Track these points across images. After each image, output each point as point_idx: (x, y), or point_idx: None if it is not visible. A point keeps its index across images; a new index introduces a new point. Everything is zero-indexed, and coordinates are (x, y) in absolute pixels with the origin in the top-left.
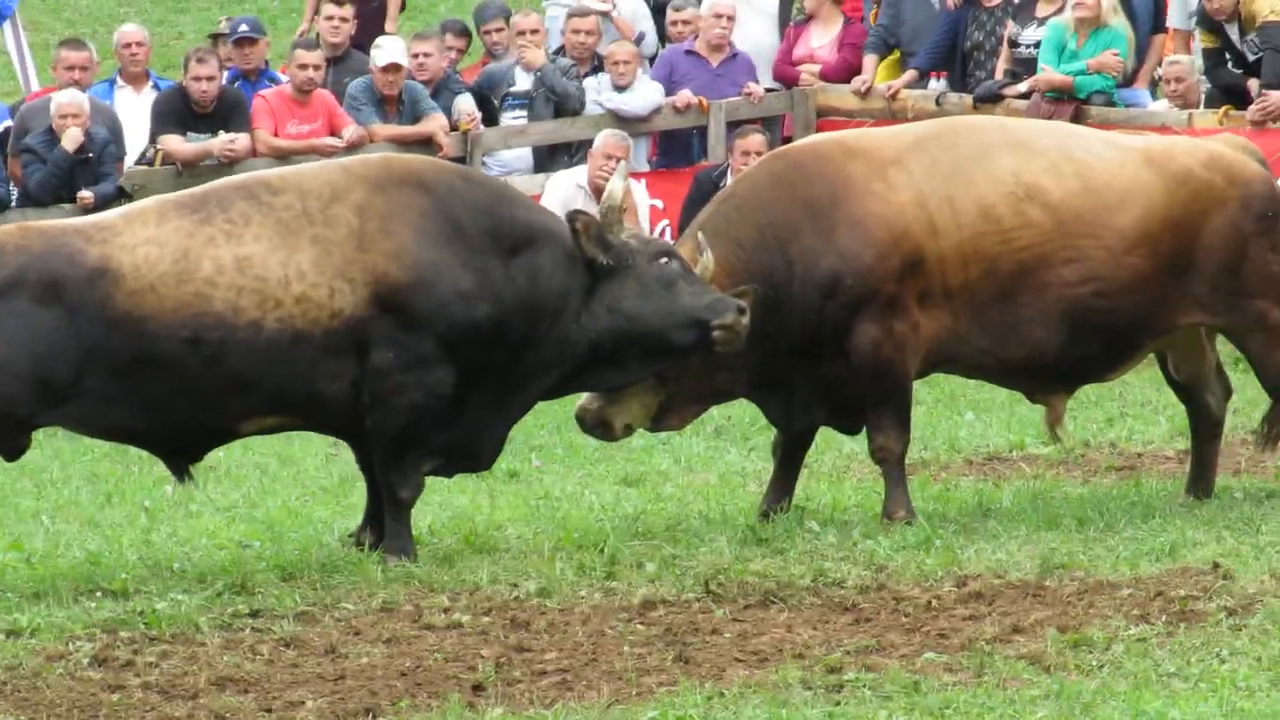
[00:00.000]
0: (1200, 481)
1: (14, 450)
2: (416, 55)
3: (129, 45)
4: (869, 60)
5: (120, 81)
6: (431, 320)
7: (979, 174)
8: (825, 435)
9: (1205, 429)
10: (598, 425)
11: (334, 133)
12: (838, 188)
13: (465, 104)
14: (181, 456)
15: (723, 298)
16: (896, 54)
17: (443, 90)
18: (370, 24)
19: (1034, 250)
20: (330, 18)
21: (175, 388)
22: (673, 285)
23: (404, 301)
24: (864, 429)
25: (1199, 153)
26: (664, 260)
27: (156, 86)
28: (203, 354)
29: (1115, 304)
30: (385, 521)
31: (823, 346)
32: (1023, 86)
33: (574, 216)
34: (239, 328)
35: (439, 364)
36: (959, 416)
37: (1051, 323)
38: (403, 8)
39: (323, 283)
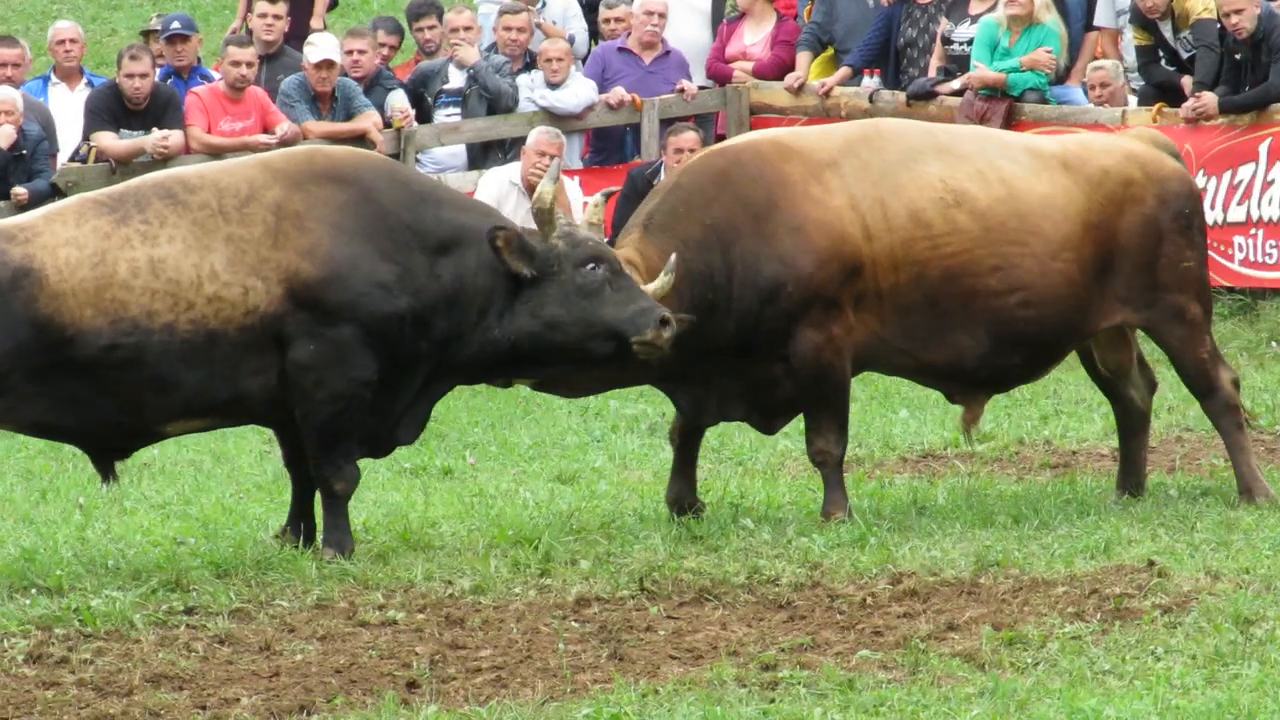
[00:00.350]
0: (1131, 477)
1: None
2: (350, 52)
3: (62, 42)
4: (802, 57)
5: (54, 78)
6: (349, 312)
7: (908, 178)
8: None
9: (1132, 424)
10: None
11: (267, 129)
12: (776, 190)
13: (399, 100)
14: (108, 454)
15: (647, 309)
16: (830, 51)
17: (375, 87)
18: (297, 20)
19: (962, 257)
20: (264, 15)
21: (96, 389)
22: (597, 294)
23: (317, 296)
24: (779, 429)
25: (1115, 152)
26: (590, 267)
27: (90, 83)
28: (120, 358)
29: (1041, 313)
30: (323, 515)
31: (756, 348)
32: (956, 84)
33: (493, 233)
34: (154, 331)
35: (360, 354)
36: (894, 414)
37: (976, 330)
38: (333, 4)
39: (235, 282)
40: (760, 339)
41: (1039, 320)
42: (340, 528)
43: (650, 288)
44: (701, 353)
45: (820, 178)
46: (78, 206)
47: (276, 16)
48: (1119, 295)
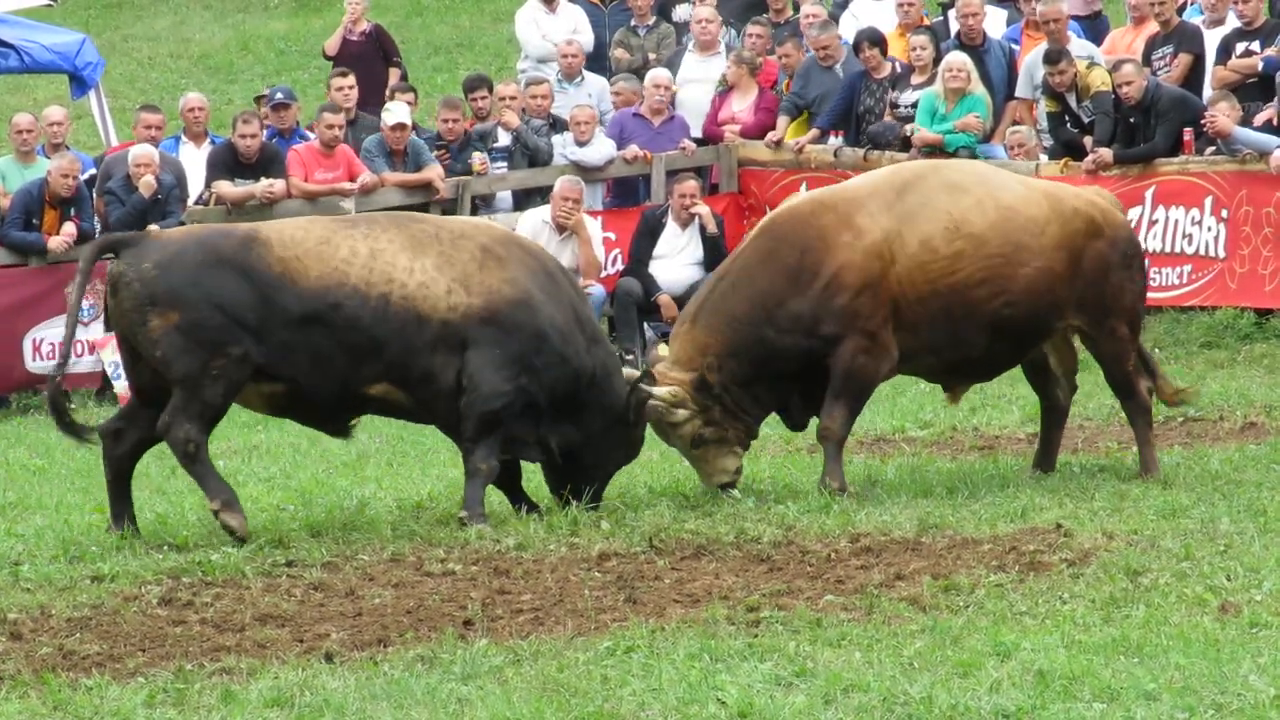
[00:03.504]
0: (1046, 459)
1: None
2: (445, 120)
3: (191, 110)
4: (782, 120)
5: (184, 138)
6: None
7: (922, 213)
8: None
9: (1053, 417)
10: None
11: (352, 179)
12: (815, 245)
13: (479, 154)
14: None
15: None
16: (805, 114)
17: (465, 146)
18: (375, 91)
19: (962, 274)
20: (340, 88)
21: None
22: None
23: None
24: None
25: (1083, 197)
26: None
27: (212, 142)
28: None
29: (1020, 310)
30: (466, 488)
31: (817, 367)
32: (908, 129)
33: (638, 389)
34: None
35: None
36: None
37: (977, 330)
38: (403, 78)
39: None
40: (816, 363)
41: (1019, 316)
42: (479, 500)
43: (660, 393)
44: (778, 382)
45: (852, 223)
46: None
47: (351, 88)
48: (1076, 302)
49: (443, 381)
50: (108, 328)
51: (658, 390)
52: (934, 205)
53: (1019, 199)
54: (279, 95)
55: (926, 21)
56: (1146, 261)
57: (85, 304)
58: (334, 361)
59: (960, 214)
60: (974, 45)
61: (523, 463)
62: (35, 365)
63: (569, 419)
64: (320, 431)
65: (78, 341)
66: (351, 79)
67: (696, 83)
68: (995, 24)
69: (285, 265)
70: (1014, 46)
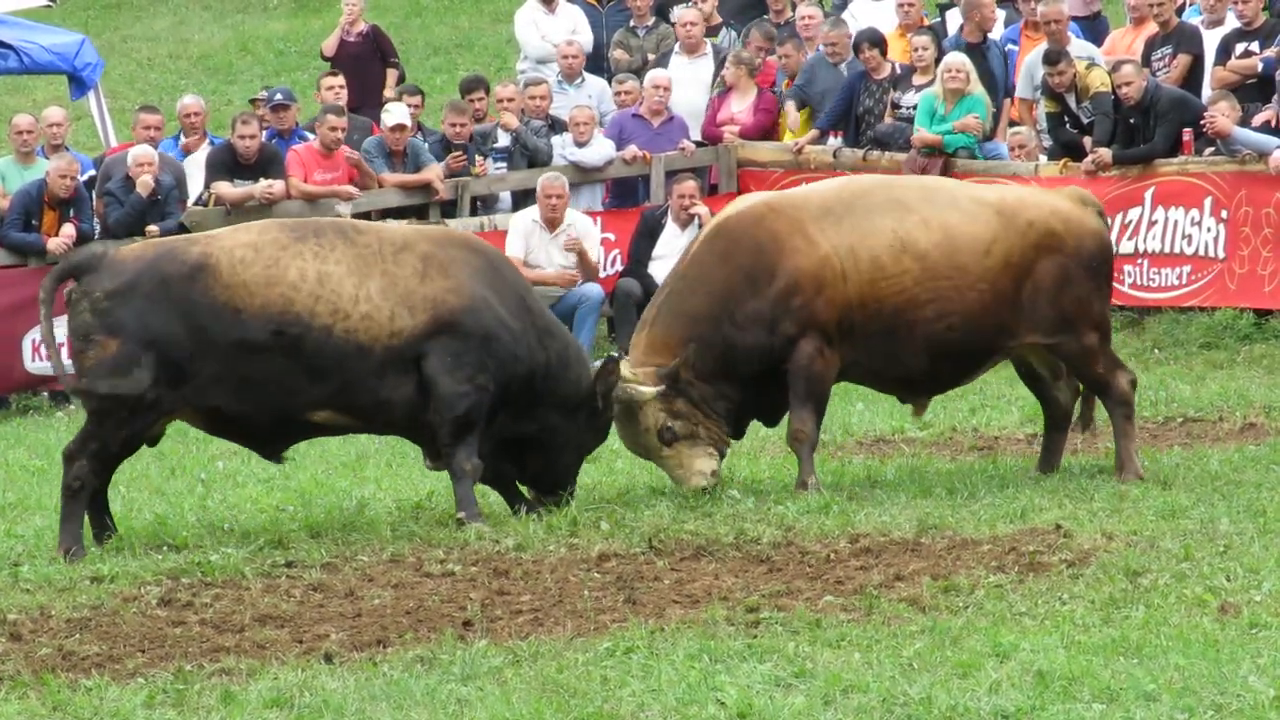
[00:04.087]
0: (1049, 461)
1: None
2: (454, 125)
3: (189, 115)
4: (790, 107)
5: (183, 139)
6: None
7: (870, 230)
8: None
9: (1056, 419)
10: (701, 493)
11: (351, 181)
12: (769, 248)
13: (477, 156)
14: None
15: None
16: (807, 111)
17: (471, 148)
18: (372, 91)
19: (907, 293)
20: (330, 87)
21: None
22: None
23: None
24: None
25: (1044, 207)
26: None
27: (211, 143)
28: None
29: (963, 334)
30: (456, 491)
31: (777, 370)
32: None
33: (608, 362)
34: None
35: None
36: (852, 407)
37: (918, 350)
38: (400, 79)
39: None
40: (776, 362)
41: (962, 339)
42: (472, 499)
43: (641, 390)
44: (742, 381)
45: (803, 230)
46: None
47: (341, 88)
48: (1030, 321)
49: (398, 400)
50: None
51: (626, 369)
52: (880, 223)
53: (964, 217)
54: (278, 96)
55: (926, 22)
56: (1139, 263)
57: None
58: (270, 388)
59: (905, 232)
60: (976, 44)
61: None
62: (35, 366)
63: (526, 414)
64: (255, 453)
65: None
66: (341, 79)
67: (684, 84)
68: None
69: (230, 293)
70: (1013, 47)
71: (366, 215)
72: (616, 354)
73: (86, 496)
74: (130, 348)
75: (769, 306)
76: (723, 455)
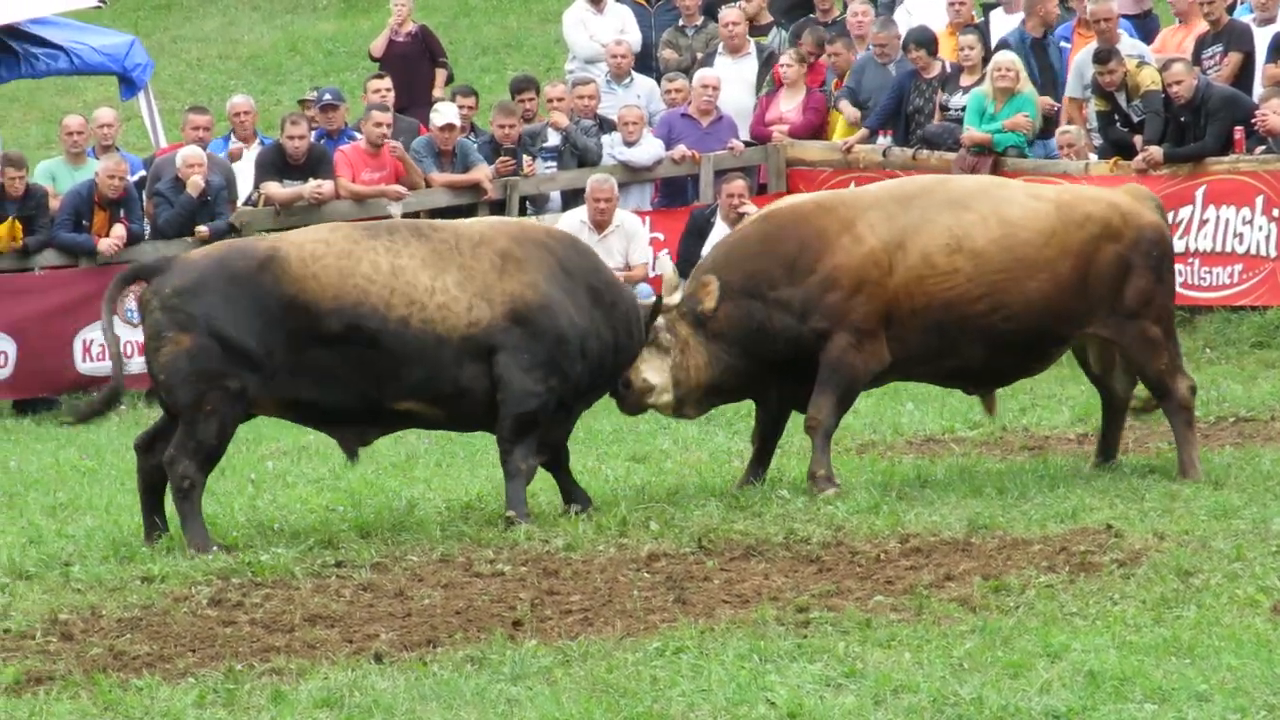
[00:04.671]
0: (1107, 451)
1: None
2: (502, 126)
3: (238, 114)
4: (845, 105)
5: (233, 139)
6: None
7: (925, 227)
8: (796, 422)
9: (1114, 411)
10: (622, 385)
11: (399, 180)
12: (814, 242)
13: (526, 156)
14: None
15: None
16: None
17: (519, 149)
18: (420, 91)
19: (958, 290)
20: (377, 90)
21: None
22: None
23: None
24: None
25: (1101, 201)
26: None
27: (260, 143)
28: None
29: (1020, 324)
30: (508, 489)
31: (807, 360)
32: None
33: (659, 305)
34: None
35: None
36: (901, 406)
37: (973, 344)
38: (449, 80)
39: None
40: (805, 353)
41: (1021, 330)
42: (523, 500)
43: (672, 300)
44: (767, 366)
45: (852, 228)
46: None
47: (388, 90)
48: (1091, 312)
49: (479, 390)
50: None
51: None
52: (936, 220)
53: (1023, 211)
54: (327, 96)
55: (976, 20)
56: (1190, 262)
57: (135, 305)
58: (354, 379)
59: (962, 230)
60: (1039, 39)
61: None
62: (86, 366)
63: (600, 388)
64: (340, 444)
65: (127, 342)
66: (388, 82)
67: (728, 84)
68: None
69: (300, 285)
70: (1065, 44)
71: (414, 215)
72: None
73: (198, 495)
74: (204, 340)
75: (801, 297)
76: (678, 397)
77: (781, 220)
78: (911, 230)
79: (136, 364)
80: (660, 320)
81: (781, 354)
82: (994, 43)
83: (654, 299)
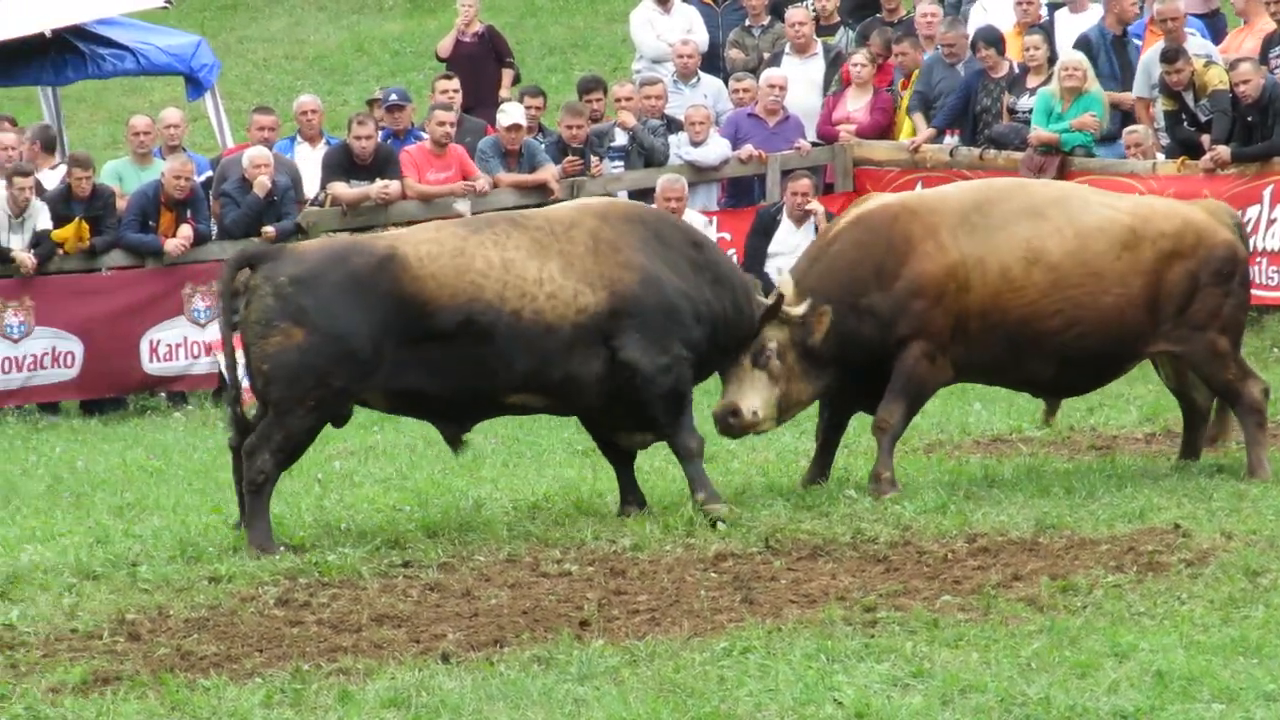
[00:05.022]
0: (1189, 451)
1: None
2: (570, 127)
3: (305, 112)
4: (918, 117)
5: (299, 139)
6: None
7: (1003, 240)
8: (862, 422)
9: (1192, 418)
10: (729, 414)
11: (466, 179)
12: (899, 244)
13: (593, 156)
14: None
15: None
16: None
17: (587, 149)
18: (487, 91)
19: (1034, 305)
20: (444, 90)
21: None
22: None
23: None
24: None
25: (1175, 218)
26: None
27: (327, 143)
28: None
29: (1095, 340)
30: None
31: (885, 363)
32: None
33: (780, 297)
34: None
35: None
36: (969, 406)
37: (1045, 358)
38: (516, 80)
39: None
40: (882, 358)
41: (1094, 346)
42: (706, 480)
43: (796, 311)
44: (848, 370)
45: (936, 235)
46: None
47: (455, 91)
48: (1160, 331)
49: (588, 377)
50: None
51: (793, 309)
52: (1015, 232)
53: (1099, 222)
54: (393, 96)
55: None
56: (1258, 262)
57: (201, 305)
58: (467, 372)
59: (1039, 242)
60: (1119, 36)
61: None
62: (152, 367)
63: (709, 366)
64: (442, 433)
65: (194, 343)
66: (455, 83)
67: (795, 84)
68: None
69: (419, 285)
70: (1138, 41)
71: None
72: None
73: (271, 491)
74: (316, 337)
75: (889, 304)
76: (778, 421)
77: (872, 223)
78: (990, 245)
79: (203, 365)
80: (772, 345)
81: (863, 362)
82: (1072, 40)
83: (774, 299)
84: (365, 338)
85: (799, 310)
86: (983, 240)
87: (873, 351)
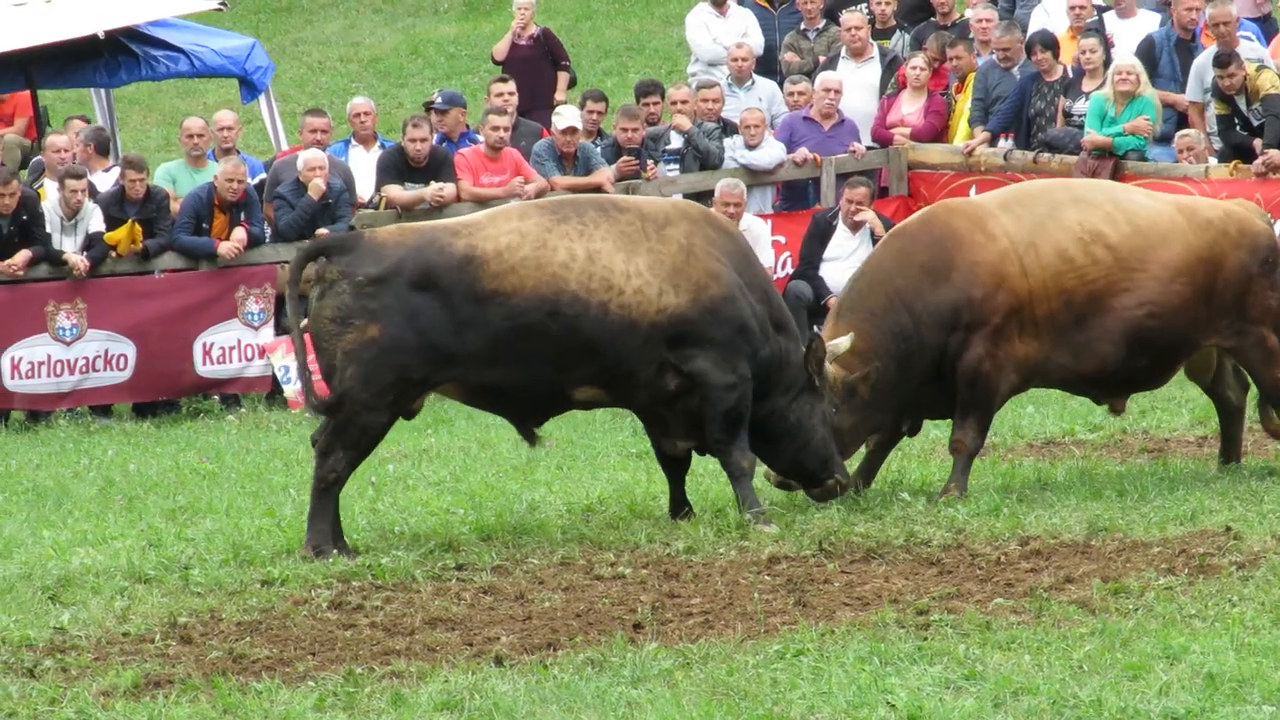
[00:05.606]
0: (1230, 451)
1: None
2: (624, 130)
3: (359, 115)
4: (978, 131)
5: (353, 142)
6: None
7: (1053, 225)
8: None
9: (1228, 417)
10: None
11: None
12: (948, 243)
13: (649, 160)
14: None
15: (842, 465)
16: (968, 112)
17: (643, 152)
18: (544, 95)
19: (1101, 282)
20: (500, 94)
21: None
22: (826, 425)
23: None
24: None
25: (1217, 209)
26: (834, 410)
27: (381, 146)
28: None
29: (1163, 322)
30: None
31: (947, 372)
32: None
33: (814, 339)
34: None
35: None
36: (1022, 409)
37: (1115, 339)
38: (572, 83)
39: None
40: (949, 363)
41: (1162, 328)
42: (755, 498)
43: (837, 342)
44: (912, 385)
45: (983, 227)
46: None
47: (511, 94)
48: (1217, 324)
49: (644, 377)
50: (278, 331)
51: (836, 341)
52: (1064, 217)
53: (1150, 211)
54: (438, 99)
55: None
56: None
57: (255, 308)
58: (545, 365)
59: (1093, 225)
60: (1185, 40)
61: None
62: (206, 370)
63: (758, 403)
64: (515, 427)
65: (247, 345)
66: (511, 86)
67: (850, 88)
68: (1150, 25)
69: (499, 281)
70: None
71: None
72: (817, 329)
73: (338, 492)
74: (393, 334)
75: (946, 299)
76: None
77: (908, 232)
78: (1040, 230)
79: (256, 368)
80: (837, 376)
81: (927, 372)
82: (1125, 44)
83: (809, 340)
84: (444, 331)
85: (847, 340)
86: (1030, 227)
87: (934, 362)
